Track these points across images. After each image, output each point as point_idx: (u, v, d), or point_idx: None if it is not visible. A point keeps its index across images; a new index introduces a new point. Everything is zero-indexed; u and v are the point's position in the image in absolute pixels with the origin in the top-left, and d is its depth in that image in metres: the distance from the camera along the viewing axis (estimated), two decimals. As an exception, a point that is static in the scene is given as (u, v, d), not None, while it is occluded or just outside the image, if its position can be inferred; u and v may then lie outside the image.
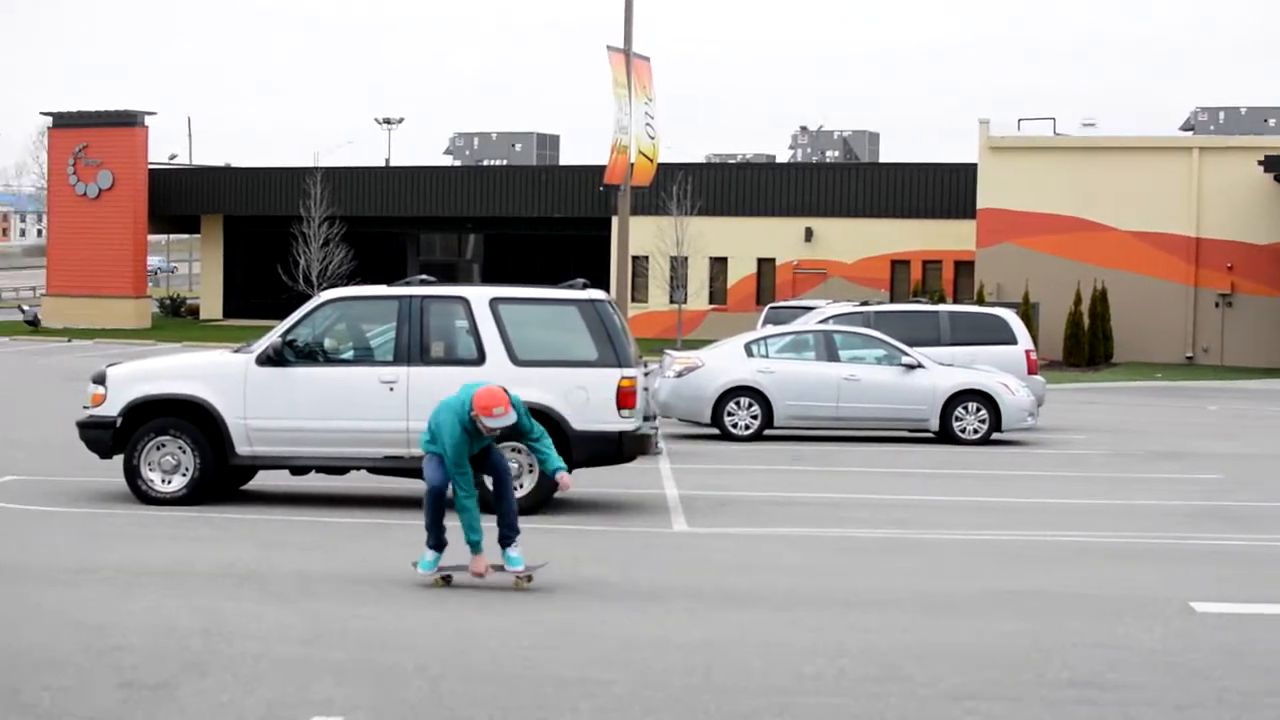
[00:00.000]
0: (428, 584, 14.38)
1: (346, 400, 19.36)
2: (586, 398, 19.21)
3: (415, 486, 20.60)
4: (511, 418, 14.34)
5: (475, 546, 14.32)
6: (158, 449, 19.41)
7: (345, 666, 11.23)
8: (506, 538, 14.53)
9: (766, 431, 29.91)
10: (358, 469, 19.78)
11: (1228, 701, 10.61)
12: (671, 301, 67.18)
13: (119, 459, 19.65)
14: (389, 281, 21.12)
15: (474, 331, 19.43)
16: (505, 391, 14.42)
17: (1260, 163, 59.70)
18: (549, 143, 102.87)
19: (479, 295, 19.71)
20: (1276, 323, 61.63)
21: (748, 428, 29.78)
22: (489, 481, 14.83)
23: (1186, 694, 10.78)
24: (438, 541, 14.52)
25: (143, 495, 19.35)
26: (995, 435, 29.87)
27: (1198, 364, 62.60)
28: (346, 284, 53.06)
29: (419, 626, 12.55)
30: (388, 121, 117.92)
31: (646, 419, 20.08)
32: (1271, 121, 64.61)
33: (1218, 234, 62.88)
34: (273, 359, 19.47)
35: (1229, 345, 62.90)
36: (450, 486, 14.46)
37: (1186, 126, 67.07)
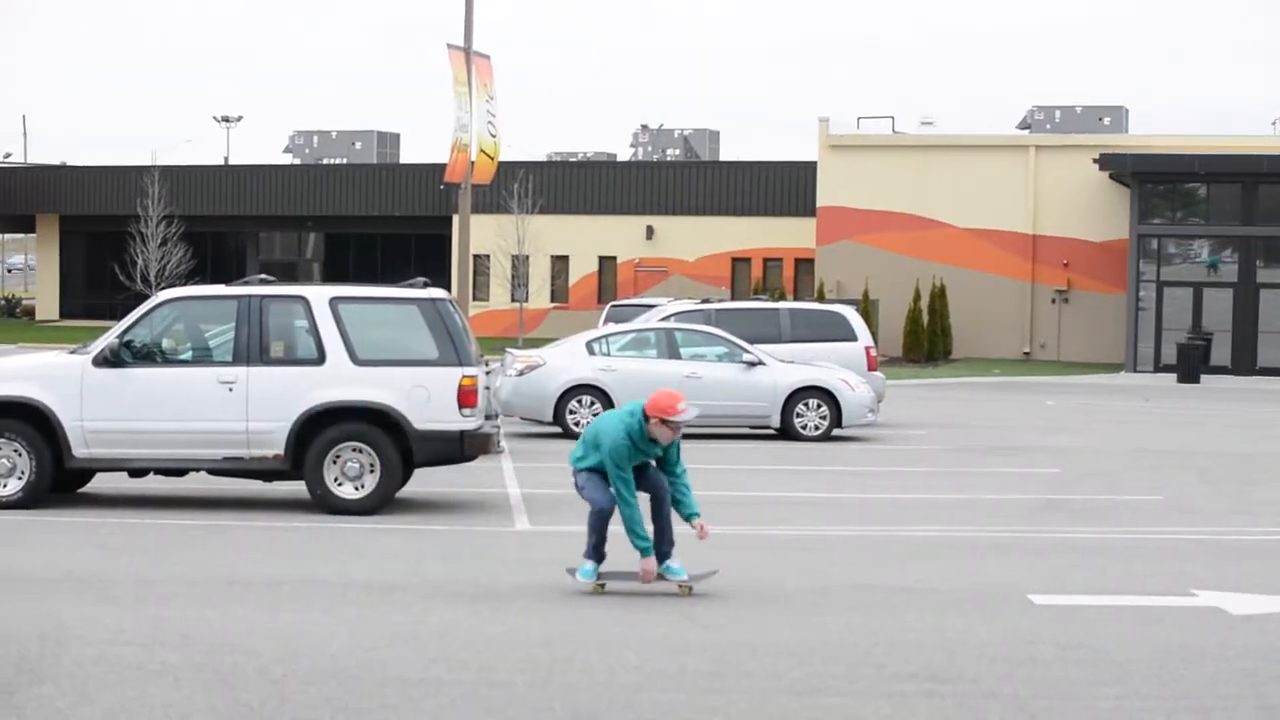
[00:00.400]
0: (586, 591, 14.10)
1: (185, 401, 19.14)
2: (427, 397, 19.12)
3: (255, 488, 20.44)
4: (694, 413, 14.60)
5: (645, 551, 14.10)
6: (-8, 452, 19.10)
7: (185, 670, 11.11)
8: (665, 554, 14.31)
9: (609, 429, 29.87)
10: (197, 471, 19.57)
11: (1065, 692, 10.73)
12: (513, 300, 67.07)
13: (-49, 463, 19.30)
14: (228, 281, 20.91)
15: (314, 331, 19.27)
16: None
17: (1095, 161, 60.48)
18: (389, 141, 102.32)
19: (319, 294, 19.56)
20: (1112, 318, 62.48)
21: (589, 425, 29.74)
22: (635, 498, 14.28)
23: (1026, 685, 10.89)
24: (599, 554, 14.26)
25: (-24, 499, 19.03)
26: (836, 431, 30.06)
27: (1035, 359, 63.39)
28: (185, 284, 52.54)
29: (261, 629, 12.43)
30: (226, 120, 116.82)
31: (488, 418, 20.03)
32: (1106, 120, 65.52)
33: (1054, 231, 63.71)
34: (110, 360, 19.21)
35: (1065, 341, 63.75)
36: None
37: (1023, 125, 67.83)
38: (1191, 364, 55.82)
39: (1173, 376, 56.41)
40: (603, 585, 14.37)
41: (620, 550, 14.33)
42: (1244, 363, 59.58)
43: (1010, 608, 13.55)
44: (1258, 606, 13.67)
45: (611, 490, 14.21)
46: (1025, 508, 20.73)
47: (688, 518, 14.36)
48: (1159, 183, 60.99)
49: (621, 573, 14.36)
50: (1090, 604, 13.79)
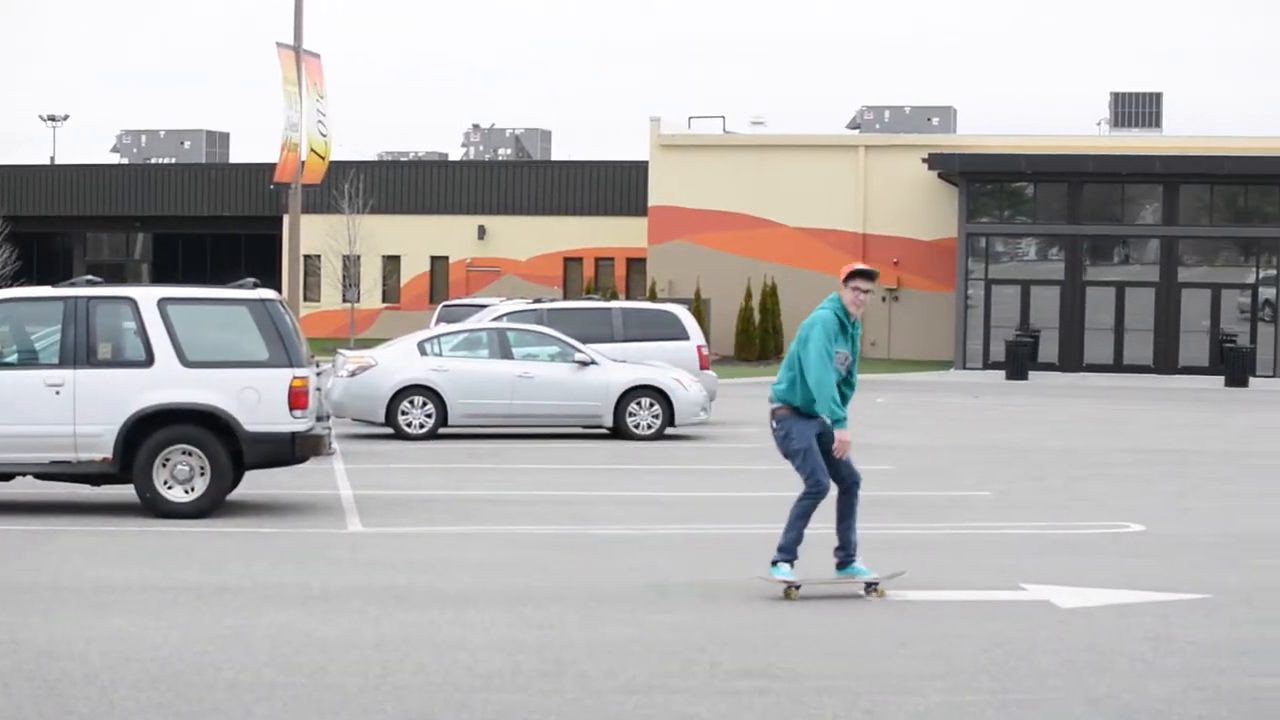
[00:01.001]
0: (779, 591, 13.88)
1: (11, 404, 18.83)
2: (258, 398, 18.95)
3: (84, 493, 20.13)
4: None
5: (842, 422, 14.12)
6: None
7: (14, 678, 10.91)
8: (852, 556, 14.13)
9: (441, 430, 29.81)
10: (24, 475, 19.27)
11: (898, 686, 10.81)
12: (344, 300, 66.67)
13: None
14: (54, 282, 20.60)
15: (142, 333, 19.03)
16: None
17: (924, 160, 61.10)
18: (219, 140, 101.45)
19: (147, 296, 19.31)
20: (941, 316, 63.14)
21: (422, 426, 29.64)
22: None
23: (859, 680, 10.96)
24: (797, 551, 13.95)
25: None
26: (669, 430, 30.14)
27: (866, 357, 63.74)
28: (11, 285, 51.74)
29: (89, 634, 12.25)
30: (52, 119, 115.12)
31: (319, 419, 19.88)
32: (935, 120, 66.22)
33: (884, 230, 64.28)
34: (-68, 363, 18.89)
35: (896, 338, 64.34)
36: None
37: (853, 125, 68.42)
38: (1020, 361, 56.56)
39: (1002, 373, 57.12)
40: (798, 588, 13.88)
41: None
42: (1071, 359, 60.44)
43: (843, 603, 13.63)
44: (1085, 600, 13.85)
45: (814, 362, 13.89)
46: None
47: (836, 422, 14.12)
48: (987, 182, 61.74)
49: (821, 580, 14.04)
50: (922, 599, 13.90)
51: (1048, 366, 59.86)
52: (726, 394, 41.17)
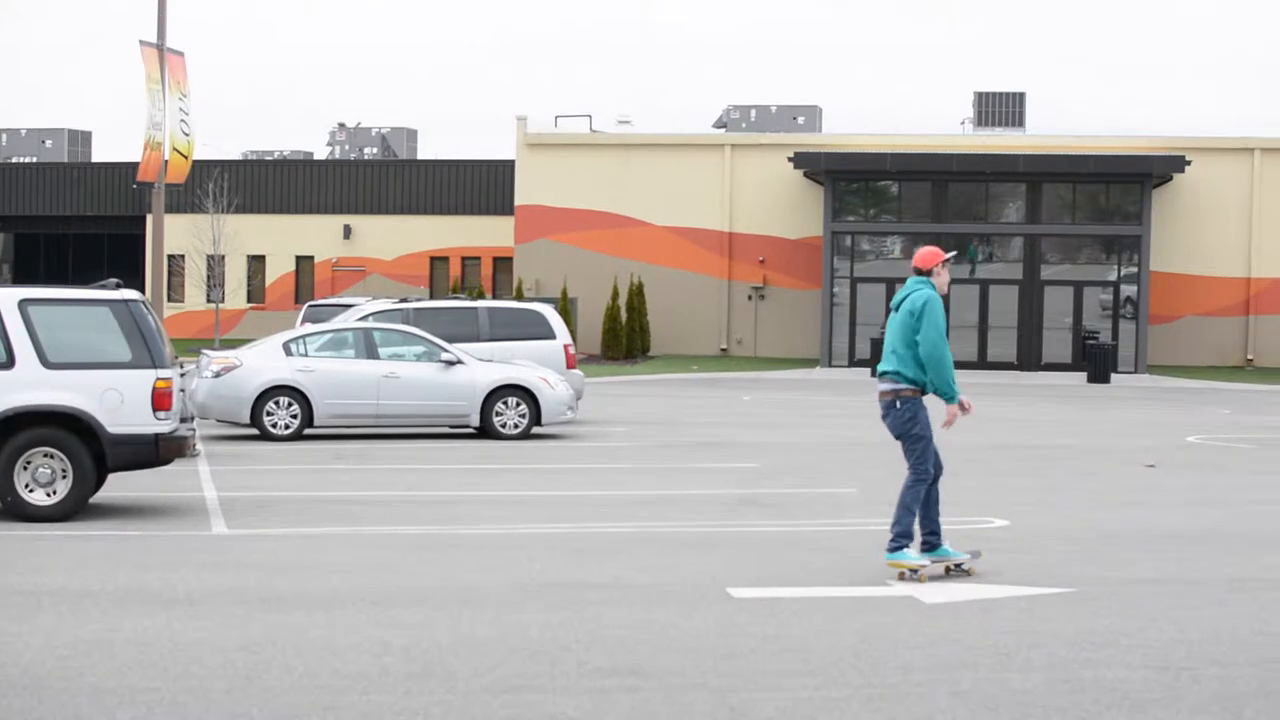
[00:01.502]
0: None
1: None
2: (120, 400, 18.77)
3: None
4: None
5: (953, 398, 15.06)
6: None
7: None
8: (939, 537, 15.04)
9: (307, 431, 29.66)
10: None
11: (765, 683, 10.85)
12: (209, 301, 66.16)
13: None
14: (-90, 283, 20.31)
15: (2, 334, 18.78)
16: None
17: (790, 159, 61.37)
18: (81, 139, 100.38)
19: (7, 296, 19.06)
20: (806, 314, 63.45)
21: (288, 427, 29.47)
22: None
23: (727, 677, 10.99)
24: (914, 536, 14.80)
25: None
26: (536, 430, 30.14)
27: (732, 355, 64.12)
28: None
29: (-53, 640, 12.08)
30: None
31: (183, 420, 19.71)
32: (801, 119, 66.55)
33: (750, 229, 64.51)
34: None
35: (762, 337, 64.60)
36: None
37: (719, 124, 68.65)
38: (883, 358, 56.85)
39: (867, 370, 57.44)
40: (915, 571, 14.70)
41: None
42: (935, 357, 60.75)
43: (711, 601, 13.67)
44: (949, 594, 13.96)
45: (932, 351, 14.71)
46: (724, 502, 20.96)
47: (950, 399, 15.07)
48: (852, 181, 62.10)
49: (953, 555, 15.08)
50: (789, 596, 13.97)
51: (913, 364, 60.18)
52: (593, 393, 41.24)
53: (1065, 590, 14.28)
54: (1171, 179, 61.83)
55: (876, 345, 57.10)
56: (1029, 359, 60.83)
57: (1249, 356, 63.19)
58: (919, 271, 15.18)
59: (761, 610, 13.31)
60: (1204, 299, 63.34)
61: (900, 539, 14.70)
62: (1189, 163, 60.02)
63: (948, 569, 14.87)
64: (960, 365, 59.86)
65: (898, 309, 15.00)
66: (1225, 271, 63.37)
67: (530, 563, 15.76)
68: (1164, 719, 10.05)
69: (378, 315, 33.66)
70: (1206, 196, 62.98)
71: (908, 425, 14.95)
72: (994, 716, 10.07)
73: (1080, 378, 56.27)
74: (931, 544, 14.99)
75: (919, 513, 14.94)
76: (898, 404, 14.91)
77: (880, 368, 15.11)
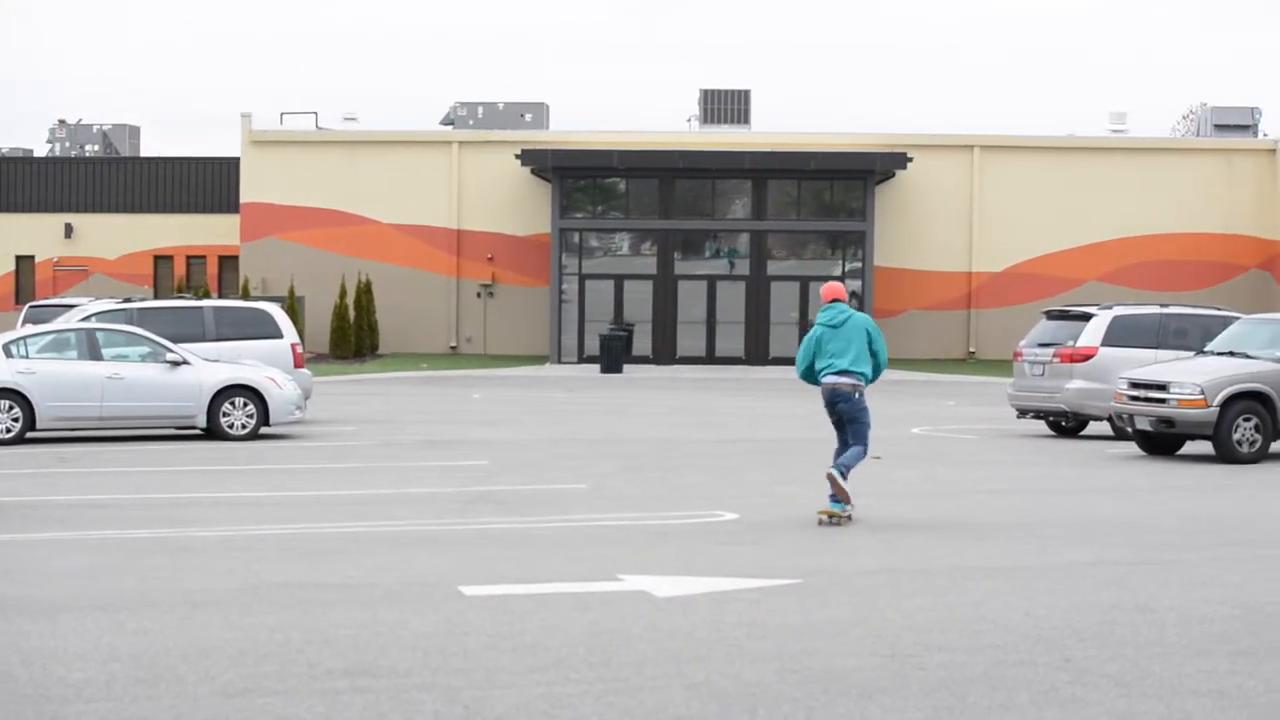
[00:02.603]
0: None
1: None
2: None
3: None
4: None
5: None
6: None
7: None
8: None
9: (29, 434, 29.03)
10: None
11: (498, 681, 10.82)
12: (-75, 303, 64.57)
13: None
14: None
15: None
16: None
17: (518, 156, 61.44)
18: None
19: None
20: (536, 311, 63.58)
21: (9, 431, 28.82)
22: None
23: (459, 676, 10.95)
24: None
25: None
26: (264, 430, 29.84)
27: (462, 353, 64.06)
28: None
29: None
30: None
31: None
32: (528, 117, 66.54)
33: (479, 226, 64.51)
34: None
35: (491, 334, 64.62)
36: None
37: (447, 121, 68.36)
38: (614, 354, 57.25)
39: (596, 367, 57.76)
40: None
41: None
42: (664, 352, 61.38)
43: (442, 600, 13.61)
44: (681, 589, 14.05)
45: (879, 360, 19.28)
46: (454, 500, 20.90)
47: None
48: (580, 178, 62.37)
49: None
50: (521, 593, 13.95)
51: (642, 359, 60.76)
52: (323, 392, 40.92)
53: (795, 581, 14.44)
54: (894, 175, 62.98)
55: (605, 342, 57.37)
56: (757, 353, 61.55)
57: (971, 349, 64.57)
58: (837, 300, 19.28)
59: (493, 607, 13.28)
60: (927, 293, 64.58)
61: (845, 497, 18.70)
62: (911, 160, 61.19)
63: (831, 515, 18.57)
64: (689, 360, 60.58)
65: (840, 325, 19.06)
66: (947, 266, 64.68)
67: (260, 564, 15.57)
68: (892, 707, 10.20)
69: (101, 315, 33.06)
70: (929, 193, 64.23)
71: (862, 410, 19.12)
72: (726, 708, 10.15)
73: (807, 372, 57.02)
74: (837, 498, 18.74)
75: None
76: (857, 395, 19.05)
77: (841, 366, 18.96)
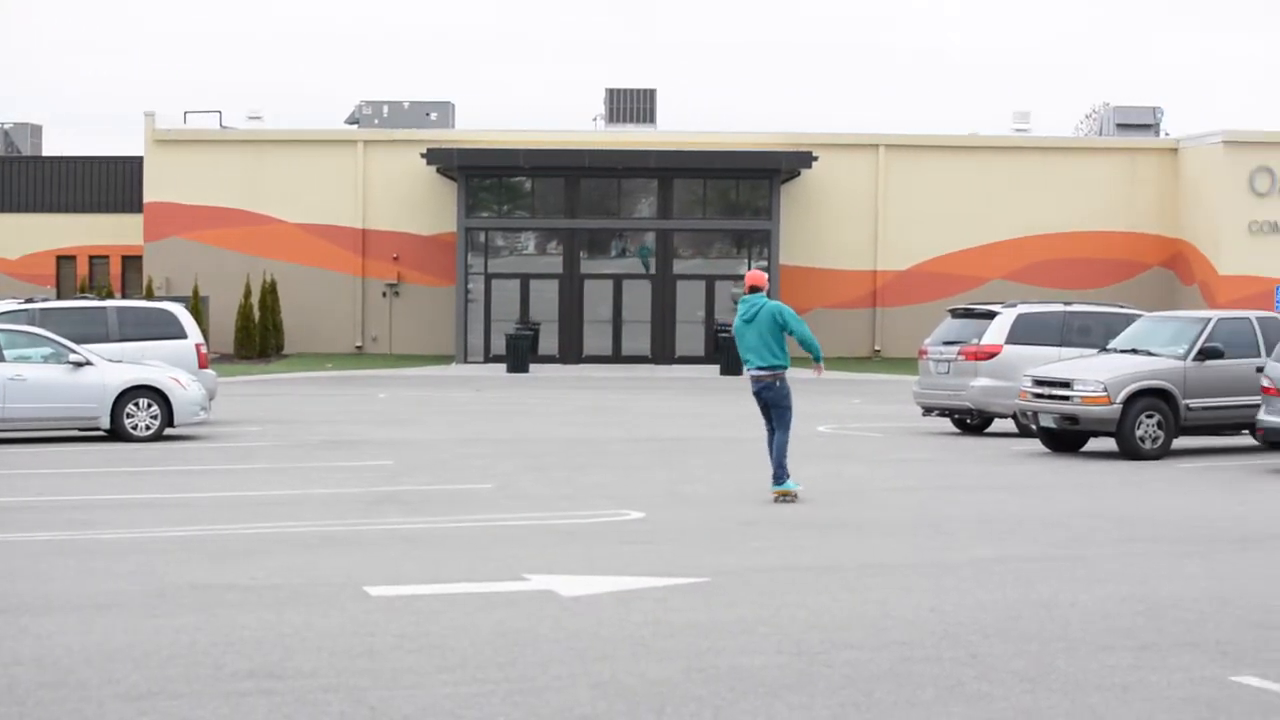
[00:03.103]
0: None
1: None
2: None
3: None
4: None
5: (820, 358, 21.53)
6: None
7: None
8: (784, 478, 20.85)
9: (-71, 436, 28.75)
10: None
11: (404, 681, 10.79)
12: None
13: None
14: None
15: None
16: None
17: (423, 156, 61.30)
18: None
19: None
20: (442, 311, 63.46)
21: (-92, 433, 28.52)
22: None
23: (365, 677, 10.90)
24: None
25: None
26: (169, 431, 29.65)
27: (368, 353, 63.87)
28: None
29: None
30: None
31: None
32: (434, 116, 66.31)
33: (384, 225, 64.34)
34: None
35: (397, 334, 64.46)
36: None
37: (352, 120, 68.05)
38: (520, 354, 57.22)
39: (503, 366, 57.71)
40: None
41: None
42: (571, 351, 61.39)
43: (347, 600, 13.56)
44: (587, 588, 14.05)
45: (805, 332, 20.90)
46: (360, 500, 20.83)
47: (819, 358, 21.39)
48: (485, 177, 62.30)
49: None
50: (427, 593, 13.92)
51: (548, 359, 60.75)
52: (228, 393, 40.72)
53: (701, 580, 14.47)
54: (800, 175, 63.21)
55: (512, 341, 57.31)
56: (663, 352, 61.63)
57: (876, 347, 64.87)
58: (755, 289, 20.87)
59: (400, 608, 13.24)
60: (833, 292, 64.84)
61: (784, 471, 20.75)
62: (816, 159, 61.41)
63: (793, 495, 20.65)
64: (596, 359, 60.61)
65: (753, 319, 20.66)
66: (853, 265, 64.96)
67: (165, 566, 15.47)
68: (799, 704, 10.23)
69: (2, 316, 32.74)
70: (834, 192, 64.49)
71: (783, 397, 20.97)
72: (632, 707, 10.15)
73: (714, 370, 57.15)
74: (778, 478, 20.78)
75: (776, 458, 20.78)
76: (777, 383, 20.88)
77: (757, 362, 20.82)
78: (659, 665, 11.22)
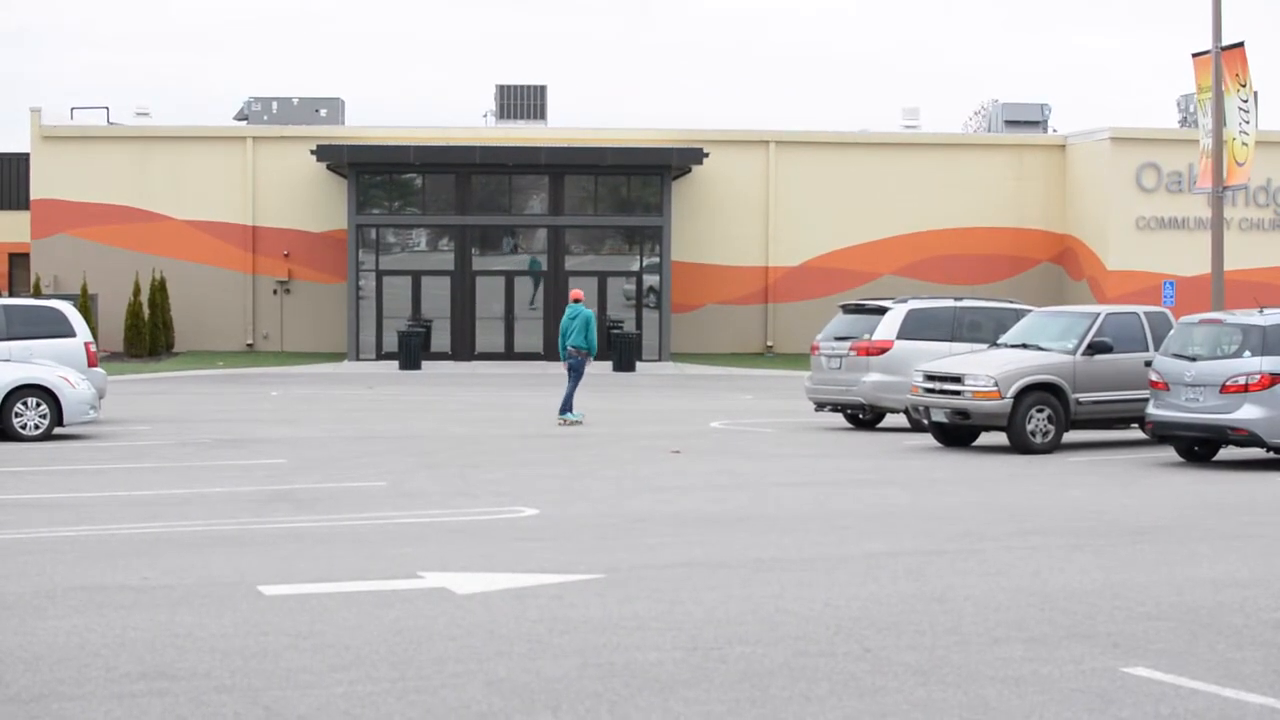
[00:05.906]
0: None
1: None
2: None
3: None
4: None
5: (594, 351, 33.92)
6: None
7: None
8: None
9: None
10: None
11: (298, 681, 10.74)
12: None
13: None
14: None
15: None
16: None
17: (313, 152, 61.01)
18: None
19: None
20: (333, 308, 63.19)
21: None
22: None
23: (259, 677, 10.85)
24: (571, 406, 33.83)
25: None
26: (58, 430, 29.39)
27: (259, 350, 63.49)
28: None
29: None
30: None
31: None
32: (324, 112, 65.97)
33: (274, 222, 63.99)
34: None
35: (288, 331, 64.12)
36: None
37: (241, 116, 67.59)
38: (413, 351, 57.07)
39: (395, 364, 57.55)
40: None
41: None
42: (463, 348, 61.27)
43: (240, 600, 13.48)
44: (481, 585, 14.02)
45: (590, 341, 33.71)
46: (252, 499, 20.71)
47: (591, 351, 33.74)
48: (376, 173, 62.07)
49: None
50: (320, 592, 13.86)
51: (441, 356, 60.62)
52: (117, 392, 40.40)
53: (596, 576, 14.48)
54: (691, 171, 63.32)
55: (404, 338, 57.21)
56: (556, 349, 61.59)
57: (769, 343, 65.06)
58: (577, 301, 33.94)
59: (293, 607, 13.18)
60: (725, 288, 64.99)
61: (567, 408, 32.81)
62: (707, 155, 61.55)
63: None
64: (488, 356, 60.54)
65: (575, 319, 33.45)
66: (745, 261, 65.13)
67: (55, 567, 15.32)
68: (695, 699, 10.25)
69: (-114, 315, 32.35)
70: (725, 188, 64.65)
71: (580, 365, 33.63)
72: (528, 704, 10.15)
73: (607, 366, 57.18)
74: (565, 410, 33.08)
75: (565, 398, 33.22)
76: (579, 357, 33.40)
77: (572, 344, 33.47)
78: (555, 662, 11.22)
